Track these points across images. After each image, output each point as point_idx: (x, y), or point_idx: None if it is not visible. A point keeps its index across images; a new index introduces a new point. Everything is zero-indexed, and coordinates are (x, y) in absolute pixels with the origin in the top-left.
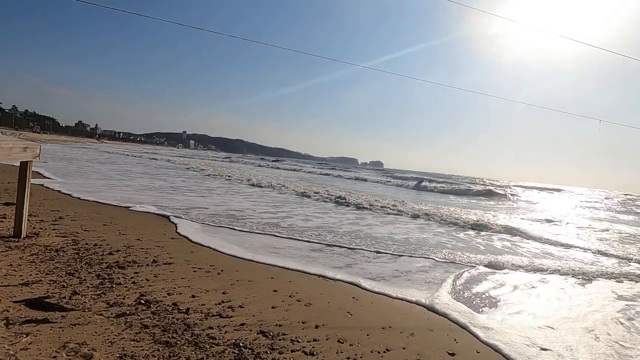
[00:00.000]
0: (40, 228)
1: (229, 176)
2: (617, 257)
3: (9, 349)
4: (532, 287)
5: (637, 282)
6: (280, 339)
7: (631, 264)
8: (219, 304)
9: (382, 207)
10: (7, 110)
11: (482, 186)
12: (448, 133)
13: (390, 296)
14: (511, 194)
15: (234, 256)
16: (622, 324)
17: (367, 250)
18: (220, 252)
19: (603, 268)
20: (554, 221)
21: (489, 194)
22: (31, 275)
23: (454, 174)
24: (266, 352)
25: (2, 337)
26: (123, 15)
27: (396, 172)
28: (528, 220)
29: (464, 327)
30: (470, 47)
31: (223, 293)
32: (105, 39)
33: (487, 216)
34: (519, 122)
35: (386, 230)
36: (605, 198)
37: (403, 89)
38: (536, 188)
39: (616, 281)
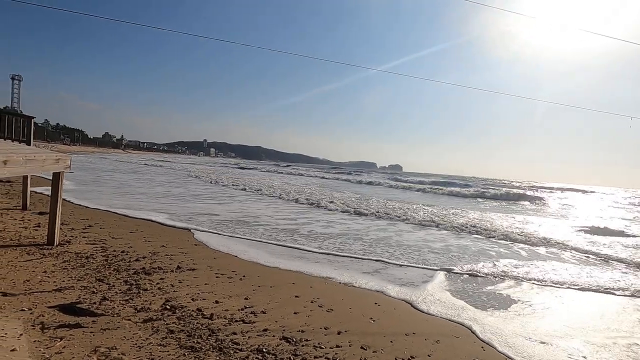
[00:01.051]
0: (72, 236)
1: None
2: None
3: (44, 353)
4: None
5: None
6: (303, 345)
7: None
8: (242, 309)
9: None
10: (40, 124)
11: (519, 190)
12: (466, 136)
13: (413, 304)
14: (553, 198)
15: (256, 262)
16: None
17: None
18: (242, 258)
19: None
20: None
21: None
22: (64, 281)
23: (475, 175)
24: (289, 358)
25: (38, 341)
26: (141, 27)
27: (412, 175)
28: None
29: (487, 342)
30: (491, 46)
31: (246, 299)
32: (123, 52)
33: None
34: (543, 121)
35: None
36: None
37: (421, 92)
38: (571, 190)
39: None
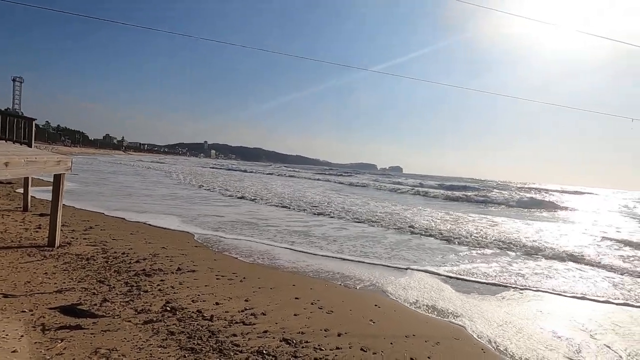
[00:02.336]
0: (72, 237)
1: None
2: None
3: (45, 354)
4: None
5: None
6: (303, 347)
7: None
8: (242, 311)
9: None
10: (41, 126)
11: (525, 193)
12: (465, 137)
13: (412, 306)
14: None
15: (256, 264)
16: None
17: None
18: (242, 260)
19: None
20: None
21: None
22: (64, 282)
23: (475, 177)
24: None
25: (39, 342)
26: (139, 28)
27: (415, 176)
28: None
29: (486, 344)
30: (490, 47)
31: (246, 300)
32: (123, 52)
33: None
34: (540, 123)
35: None
36: None
37: (420, 93)
38: (576, 192)
39: None
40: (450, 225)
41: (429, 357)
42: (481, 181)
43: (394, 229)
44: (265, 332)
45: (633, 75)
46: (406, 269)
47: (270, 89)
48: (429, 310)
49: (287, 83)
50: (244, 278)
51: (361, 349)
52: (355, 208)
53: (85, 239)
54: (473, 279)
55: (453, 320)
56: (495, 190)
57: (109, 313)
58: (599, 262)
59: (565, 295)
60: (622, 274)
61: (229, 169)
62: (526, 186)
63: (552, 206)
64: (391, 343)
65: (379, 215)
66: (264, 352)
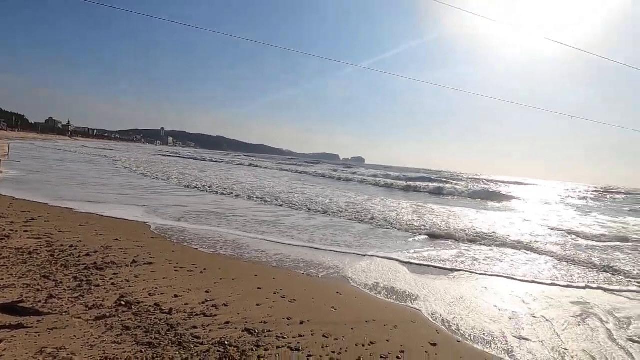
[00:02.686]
0: (11, 230)
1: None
2: None
3: None
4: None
5: None
6: (265, 336)
7: None
8: (203, 302)
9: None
10: None
11: (476, 184)
12: (422, 130)
13: (373, 292)
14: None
15: (218, 254)
16: None
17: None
18: (203, 251)
19: None
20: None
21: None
22: (2, 279)
23: (431, 168)
24: (252, 350)
25: None
26: (91, 5)
27: (377, 167)
28: None
29: (441, 325)
30: (450, 46)
31: (207, 292)
32: (77, 35)
33: None
34: (493, 118)
35: None
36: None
37: (383, 88)
38: (523, 183)
39: None
40: (411, 216)
41: (387, 340)
42: (437, 172)
43: (358, 219)
44: (227, 323)
45: (578, 76)
46: (365, 255)
47: (232, 75)
48: (389, 296)
49: (250, 70)
50: (205, 269)
51: (323, 336)
52: (320, 200)
53: (26, 231)
54: (431, 264)
55: (410, 305)
56: (450, 180)
57: (55, 310)
58: (538, 248)
59: (505, 276)
60: (558, 259)
61: (190, 158)
62: (477, 177)
63: (501, 197)
64: (352, 328)
65: (342, 206)
66: (226, 342)
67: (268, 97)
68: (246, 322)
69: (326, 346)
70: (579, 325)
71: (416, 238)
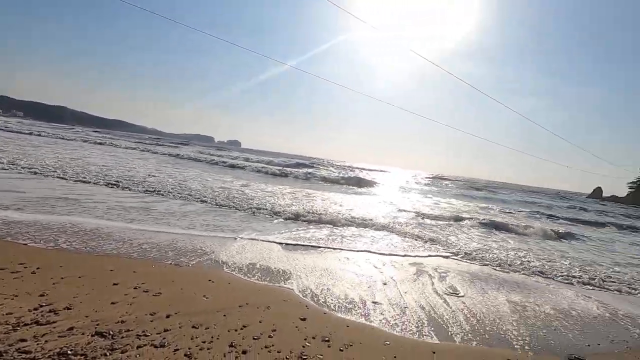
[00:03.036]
0: None
1: None
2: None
3: None
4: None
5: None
6: (122, 337)
7: None
8: (36, 309)
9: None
10: None
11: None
12: (298, 118)
13: (245, 275)
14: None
15: (59, 249)
16: None
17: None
18: (36, 246)
19: None
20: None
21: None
22: None
23: (303, 154)
24: (105, 355)
25: None
26: None
27: (253, 151)
28: None
29: (309, 301)
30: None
31: (41, 295)
32: None
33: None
34: (363, 113)
35: None
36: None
37: (258, 71)
38: (373, 170)
39: None
40: (288, 200)
41: (260, 322)
42: (309, 158)
43: (234, 205)
44: (71, 329)
45: (432, 82)
46: (240, 238)
47: (73, 27)
48: (262, 278)
49: (98, 25)
50: (38, 268)
51: (193, 327)
52: (194, 185)
53: None
54: (303, 243)
55: (283, 284)
56: (322, 167)
57: None
58: (394, 227)
59: (367, 251)
60: (409, 236)
61: (17, 132)
62: (345, 164)
63: (368, 182)
64: (224, 315)
65: (217, 191)
66: (69, 352)
67: (128, 61)
68: (97, 325)
69: (196, 337)
70: (415, 281)
71: (292, 221)
